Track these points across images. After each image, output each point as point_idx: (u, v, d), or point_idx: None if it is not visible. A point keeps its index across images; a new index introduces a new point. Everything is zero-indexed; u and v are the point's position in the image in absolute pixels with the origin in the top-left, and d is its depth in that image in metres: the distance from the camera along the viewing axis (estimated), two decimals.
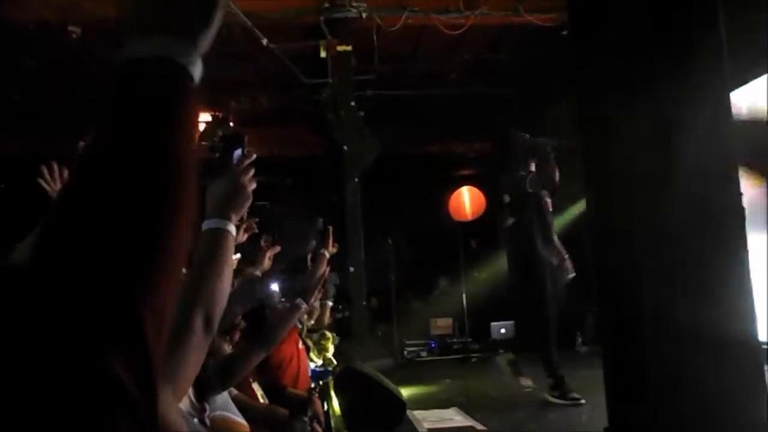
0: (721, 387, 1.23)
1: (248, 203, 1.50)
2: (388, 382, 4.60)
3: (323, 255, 4.03)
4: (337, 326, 6.61)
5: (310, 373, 4.62)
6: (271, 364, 3.87)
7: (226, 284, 1.39)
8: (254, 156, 1.56)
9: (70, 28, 6.19)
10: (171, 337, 1.27)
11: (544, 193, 5.04)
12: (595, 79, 1.61)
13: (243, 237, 2.90)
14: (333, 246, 4.13)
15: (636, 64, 1.33)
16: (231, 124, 8.44)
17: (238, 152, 1.57)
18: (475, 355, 8.45)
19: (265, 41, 6.79)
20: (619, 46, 1.35)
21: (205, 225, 1.45)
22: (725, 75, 1.32)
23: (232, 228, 1.43)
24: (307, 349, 4.98)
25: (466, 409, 4.76)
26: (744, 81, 3.91)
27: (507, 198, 5.19)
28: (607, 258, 1.50)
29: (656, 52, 1.31)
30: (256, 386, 3.61)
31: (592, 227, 1.81)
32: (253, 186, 1.52)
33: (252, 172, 1.53)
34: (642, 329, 1.27)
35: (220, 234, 1.41)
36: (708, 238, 1.27)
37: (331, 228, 4.17)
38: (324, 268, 4.02)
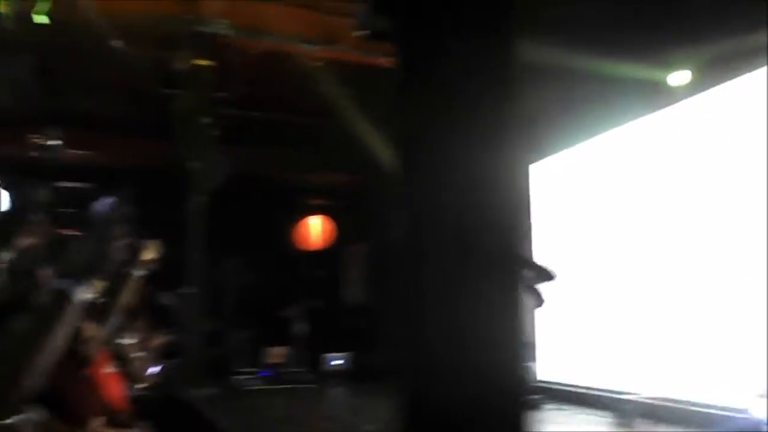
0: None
1: (109, 265, 1.38)
2: (211, 413, 4.43)
3: (128, 274, 2.99)
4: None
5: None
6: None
7: (50, 354, 1.22)
8: (126, 212, 1.43)
9: None
10: None
11: None
12: (410, 139, 1.70)
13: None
14: (146, 262, 3.08)
15: (437, 126, 1.44)
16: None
17: (106, 203, 1.39)
18: (305, 385, 8.44)
19: (118, 44, 6.46)
20: (426, 112, 1.46)
21: (54, 283, 1.31)
22: (523, 148, 1.47)
23: (80, 293, 1.29)
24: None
25: None
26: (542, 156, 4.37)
27: None
28: (392, 296, 1.58)
29: (461, 122, 1.44)
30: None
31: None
32: (122, 244, 1.40)
33: (122, 230, 1.41)
34: (418, 369, 1.35)
35: (63, 297, 1.27)
36: (481, 282, 1.38)
37: (144, 241, 3.10)
38: (128, 290, 3.16)
